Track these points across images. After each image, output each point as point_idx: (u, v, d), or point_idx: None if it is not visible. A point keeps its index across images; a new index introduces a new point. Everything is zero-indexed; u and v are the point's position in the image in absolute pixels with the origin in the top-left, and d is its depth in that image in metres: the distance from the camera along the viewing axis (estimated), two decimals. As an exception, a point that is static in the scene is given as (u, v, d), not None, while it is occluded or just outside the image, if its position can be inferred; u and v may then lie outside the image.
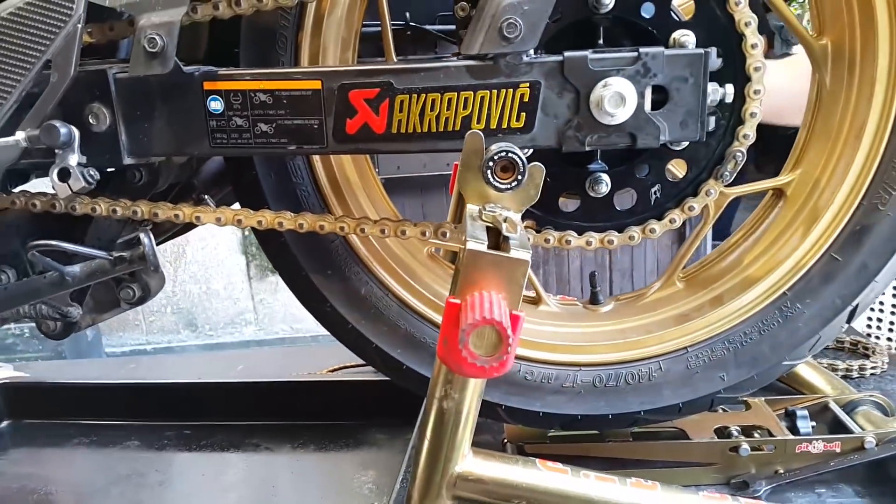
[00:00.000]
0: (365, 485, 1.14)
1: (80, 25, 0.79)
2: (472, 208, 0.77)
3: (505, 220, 0.73)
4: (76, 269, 0.99)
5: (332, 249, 1.01)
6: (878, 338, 1.59)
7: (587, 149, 0.84)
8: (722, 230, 1.61)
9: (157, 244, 1.01)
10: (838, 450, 1.00)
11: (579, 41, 0.88)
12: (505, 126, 0.83)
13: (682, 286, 1.05)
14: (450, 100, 0.82)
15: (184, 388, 1.40)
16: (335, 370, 1.53)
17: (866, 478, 1.01)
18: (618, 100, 0.80)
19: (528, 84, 0.81)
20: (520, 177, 0.75)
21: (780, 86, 0.94)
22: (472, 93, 0.82)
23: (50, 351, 3.58)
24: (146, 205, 0.92)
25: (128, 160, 0.87)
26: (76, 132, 0.84)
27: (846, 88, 0.93)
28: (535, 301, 1.09)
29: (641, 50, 0.81)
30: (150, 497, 1.17)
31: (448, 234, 0.90)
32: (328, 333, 1.06)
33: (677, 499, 0.83)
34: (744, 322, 0.98)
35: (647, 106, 0.82)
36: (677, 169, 0.96)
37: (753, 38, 0.85)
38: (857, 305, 0.94)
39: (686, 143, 0.91)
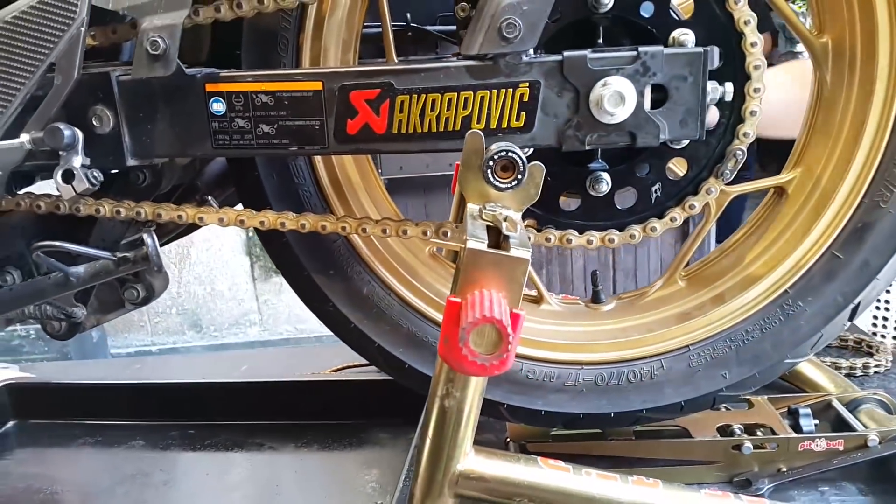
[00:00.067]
0: (368, 484, 1.14)
1: (83, 28, 0.80)
2: (472, 207, 0.77)
3: (505, 219, 0.73)
4: (80, 269, 0.99)
5: (334, 249, 1.02)
6: (883, 336, 1.58)
7: (587, 148, 0.84)
8: (730, 229, 1.60)
9: (161, 245, 1.02)
10: (841, 448, 1.00)
11: (579, 41, 0.88)
12: (505, 126, 0.83)
13: (683, 284, 1.05)
14: (450, 100, 0.82)
15: (188, 388, 1.40)
16: (338, 370, 1.54)
17: (869, 476, 1.01)
18: (617, 99, 0.80)
19: (527, 84, 0.81)
20: (520, 176, 0.76)
21: (775, 98, 0.94)
22: (472, 93, 0.82)
23: (55, 352, 3.59)
24: (150, 206, 0.92)
25: (131, 162, 0.88)
26: (80, 134, 0.84)
27: (847, 86, 0.93)
28: (537, 300, 1.09)
29: (641, 49, 0.81)
30: (154, 496, 1.17)
31: (449, 234, 0.90)
32: (332, 333, 1.07)
33: (679, 497, 0.83)
34: (746, 320, 0.98)
35: (647, 105, 0.82)
36: (678, 167, 0.96)
37: (753, 37, 0.85)
38: (858, 303, 0.94)
39: (686, 142, 0.92)
